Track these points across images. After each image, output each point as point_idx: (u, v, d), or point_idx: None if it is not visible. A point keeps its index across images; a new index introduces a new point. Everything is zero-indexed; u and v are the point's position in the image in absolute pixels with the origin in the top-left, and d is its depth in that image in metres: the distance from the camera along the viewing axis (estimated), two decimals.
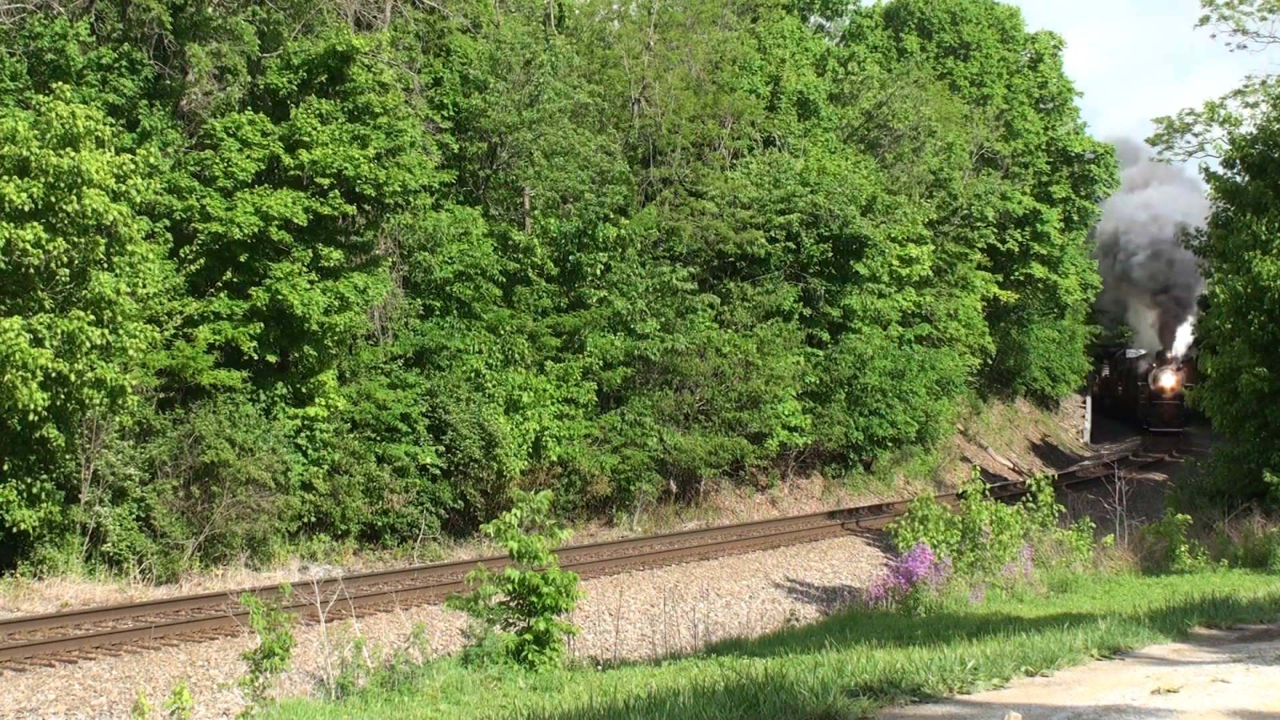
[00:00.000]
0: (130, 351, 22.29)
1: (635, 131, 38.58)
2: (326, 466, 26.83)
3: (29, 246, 21.04)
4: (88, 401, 21.89)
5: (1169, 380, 66.16)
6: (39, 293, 21.86)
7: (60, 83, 23.51)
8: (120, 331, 22.05)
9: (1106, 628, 12.14)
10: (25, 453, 22.19)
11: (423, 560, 27.37)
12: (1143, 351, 74.09)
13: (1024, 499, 23.17)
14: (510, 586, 14.00)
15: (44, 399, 20.92)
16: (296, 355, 26.67)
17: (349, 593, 18.52)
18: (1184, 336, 71.66)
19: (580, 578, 14.85)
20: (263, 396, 26.32)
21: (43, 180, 21.23)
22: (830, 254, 39.72)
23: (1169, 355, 68.92)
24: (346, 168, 26.38)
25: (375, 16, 31.96)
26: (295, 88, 27.56)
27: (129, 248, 22.75)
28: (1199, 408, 32.46)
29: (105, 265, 22.52)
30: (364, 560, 27.27)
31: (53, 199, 21.31)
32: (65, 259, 21.65)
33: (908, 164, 46.42)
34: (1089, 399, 71.80)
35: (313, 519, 26.60)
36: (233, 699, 16.31)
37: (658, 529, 33.05)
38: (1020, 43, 59.91)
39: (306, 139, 26.55)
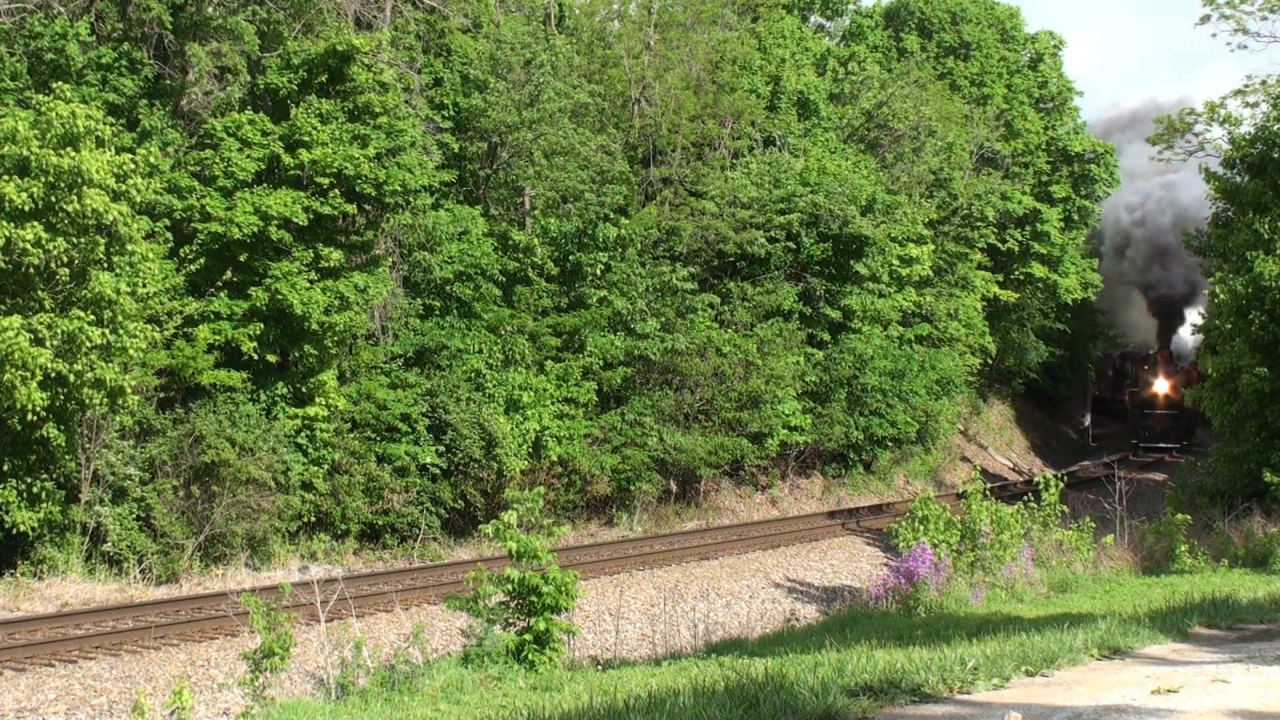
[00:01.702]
0: (130, 351, 22.28)
1: (635, 131, 38.57)
2: (326, 466, 26.82)
3: (29, 246, 21.03)
4: (88, 401, 21.88)
5: (1162, 385, 56.46)
6: (39, 292, 21.85)
7: (60, 82, 23.50)
8: (120, 331, 22.04)
9: (1106, 628, 12.15)
10: (25, 453, 22.18)
11: (423, 560, 27.36)
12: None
13: (1024, 498, 23.19)
14: (510, 586, 14.01)
15: (43, 399, 20.91)
16: (296, 355, 26.66)
17: (349, 592, 18.52)
18: (1185, 332, 62.77)
19: (580, 577, 14.86)
20: (263, 396, 26.32)
21: (43, 180, 21.22)
22: (830, 254, 39.72)
23: (1163, 354, 59.75)
24: (346, 167, 26.38)
25: (375, 16, 31.95)
26: (295, 87, 27.56)
27: (129, 247, 22.75)
28: (1200, 408, 32.32)
29: (105, 265, 22.52)
30: (364, 560, 27.26)
31: (53, 199, 21.30)
32: (65, 259, 21.64)
33: (908, 164, 46.40)
34: (1089, 402, 67.01)
35: (313, 519, 26.59)
36: (233, 699, 16.31)
37: (658, 529, 33.03)
38: (1020, 42, 59.91)
39: (306, 139, 26.55)
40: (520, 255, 32.25)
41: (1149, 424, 56.37)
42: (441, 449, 28.55)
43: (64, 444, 22.33)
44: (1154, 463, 54.38)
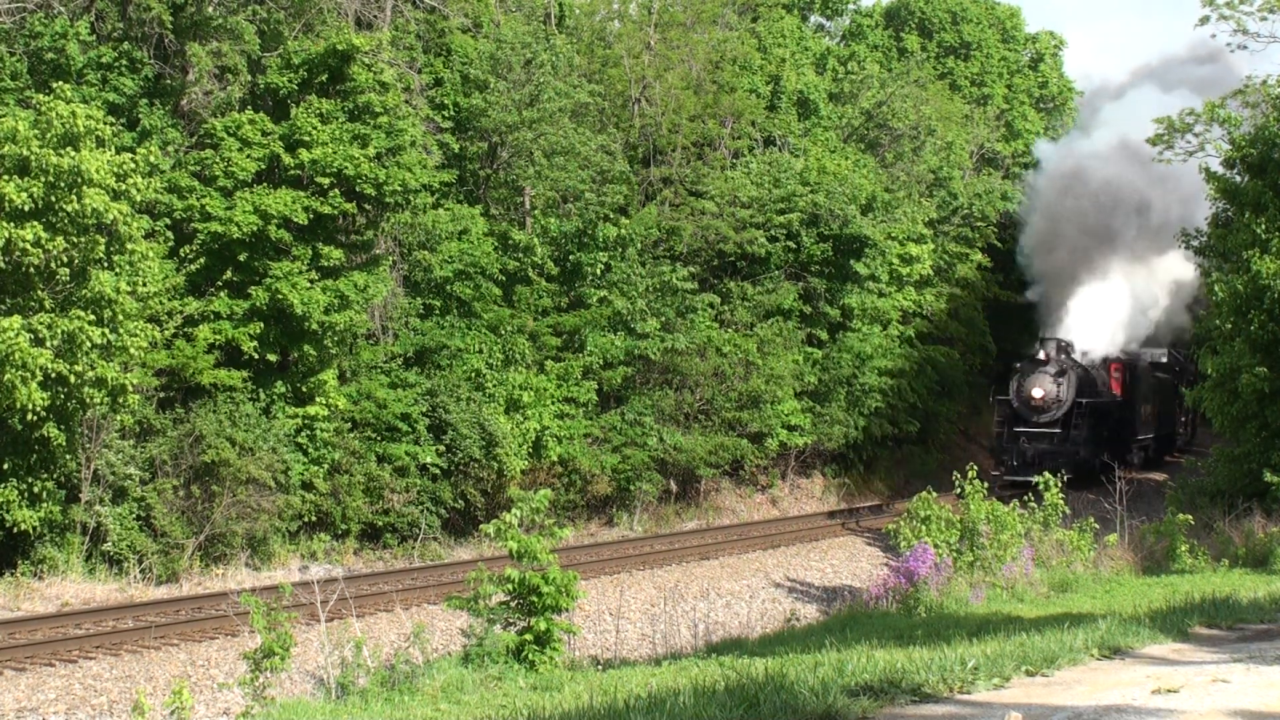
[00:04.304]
0: (131, 350, 22.29)
1: (635, 131, 38.57)
2: (327, 466, 26.82)
3: (29, 246, 21.03)
4: (88, 401, 21.88)
5: (1039, 389, 38.33)
6: (39, 292, 21.85)
7: (60, 82, 23.49)
8: (121, 330, 22.04)
9: (1107, 628, 12.15)
10: (26, 452, 22.17)
11: (423, 560, 27.37)
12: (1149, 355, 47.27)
13: (1022, 499, 23.20)
14: (510, 586, 14.00)
15: (44, 399, 20.91)
16: (296, 354, 26.67)
17: (349, 592, 18.50)
18: (1084, 312, 43.05)
19: (580, 577, 14.84)
20: (263, 396, 26.32)
21: (43, 180, 21.22)
22: (830, 253, 39.70)
23: (1046, 347, 39.85)
24: (347, 167, 26.39)
25: (376, 16, 31.95)
26: (295, 87, 27.56)
27: (129, 246, 22.75)
28: (1200, 408, 32.09)
29: (105, 264, 22.52)
30: (364, 560, 27.27)
31: (53, 198, 21.30)
32: (65, 258, 21.64)
33: (908, 164, 46.38)
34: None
35: (313, 518, 26.59)
36: (233, 698, 16.31)
37: (658, 529, 33.04)
38: (1021, 42, 59.94)
39: (307, 138, 26.55)
40: (520, 255, 32.25)
41: (1018, 447, 38.09)
42: (442, 449, 28.56)
43: (64, 444, 22.32)
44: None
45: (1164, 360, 47.92)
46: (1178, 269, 41.95)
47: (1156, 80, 50.58)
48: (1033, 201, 48.65)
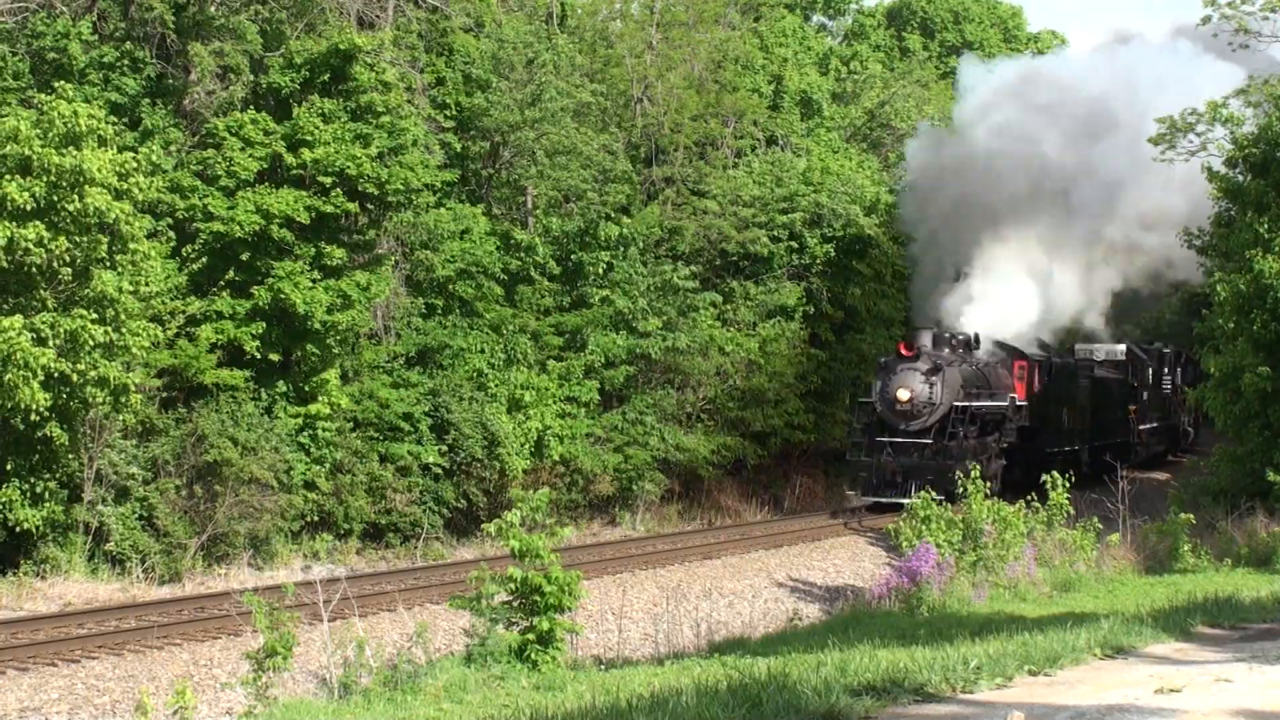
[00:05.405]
0: (133, 350, 22.30)
1: (638, 130, 38.58)
2: (329, 465, 26.84)
3: (31, 245, 21.04)
4: (91, 400, 21.89)
5: (905, 390, 31.23)
6: (41, 292, 21.86)
7: (62, 82, 23.50)
8: (123, 330, 22.06)
9: (1109, 627, 12.15)
10: (28, 452, 22.19)
11: (425, 559, 27.38)
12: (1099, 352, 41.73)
13: (1027, 498, 23.19)
14: (513, 586, 13.99)
15: (46, 398, 20.92)
16: (299, 354, 26.68)
17: (352, 592, 18.47)
18: (977, 297, 35.55)
19: (583, 577, 14.83)
20: (265, 395, 26.34)
21: (45, 179, 21.24)
22: (833, 253, 39.68)
23: (919, 338, 32.71)
24: (349, 167, 26.40)
25: (378, 15, 31.96)
26: (298, 87, 27.58)
27: (131, 246, 22.76)
28: (1204, 409, 31.99)
29: (108, 264, 22.53)
30: (367, 559, 27.27)
31: (55, 198, 21.31)
32: (67, 258, 21.65)
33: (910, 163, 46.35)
34: None
35: (315, 518, 26.60)
36: (235, 698, 16.30)
37: (660, 528, 33.01)
38: (1023, 42, 59.94)
39: (309, 138, 26.57)
40: (522, 254, 32.27)
41: (879, 461, 31.64)
42: (444, 448, 28.57)
43: (67, 443, 22.34)
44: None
45: (1119, 359, 42.31)
46: (1151, 250, 37.71)
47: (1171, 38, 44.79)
48: (921, 154, 40.17)
